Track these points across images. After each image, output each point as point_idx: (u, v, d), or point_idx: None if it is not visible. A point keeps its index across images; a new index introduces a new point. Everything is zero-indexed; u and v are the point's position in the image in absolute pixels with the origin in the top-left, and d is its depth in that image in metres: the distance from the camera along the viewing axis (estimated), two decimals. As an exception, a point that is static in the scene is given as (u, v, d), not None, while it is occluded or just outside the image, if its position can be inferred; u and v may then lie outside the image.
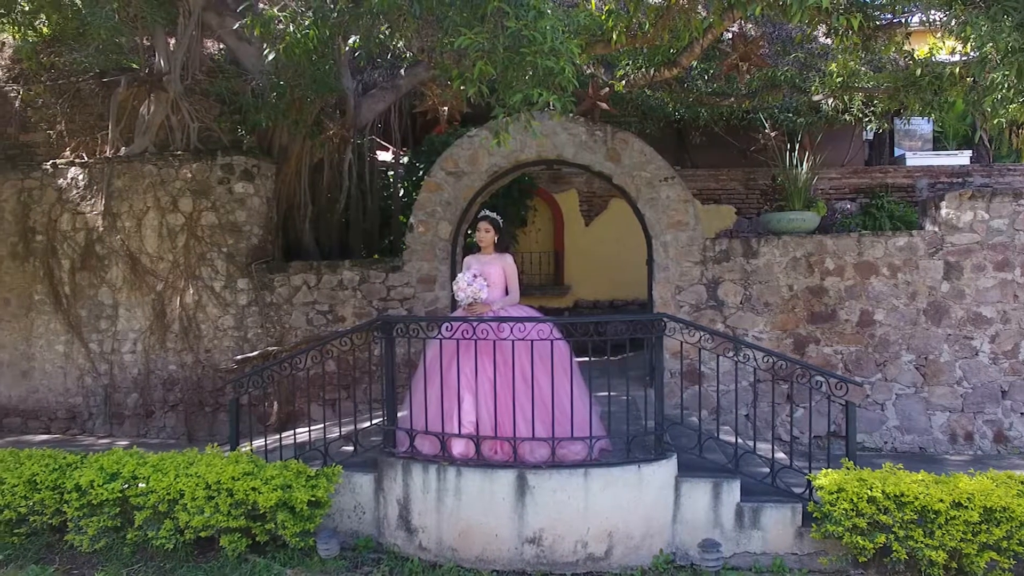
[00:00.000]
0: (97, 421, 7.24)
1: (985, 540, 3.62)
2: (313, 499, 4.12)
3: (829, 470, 3.95)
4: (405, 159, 9.49)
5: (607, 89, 6.04)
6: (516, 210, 8.98)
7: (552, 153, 6.41)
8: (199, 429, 6.99)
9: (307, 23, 3.79)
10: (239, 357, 6.77)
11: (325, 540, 4.15)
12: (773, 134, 7.22)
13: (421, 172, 9.44)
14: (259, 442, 5.24)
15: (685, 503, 4.13)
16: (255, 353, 6.76)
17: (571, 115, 6.38)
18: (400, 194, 9.21)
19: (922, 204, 6.31)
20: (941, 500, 3.57)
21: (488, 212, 4.56)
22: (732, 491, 4.11)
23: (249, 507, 4.10)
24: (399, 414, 4.64)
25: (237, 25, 5.43)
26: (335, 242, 8.20)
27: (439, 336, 4.13)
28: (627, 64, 5.67)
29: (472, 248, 4.93)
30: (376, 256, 8.45)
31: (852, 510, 3.67)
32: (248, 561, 4.22)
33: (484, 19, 2.98)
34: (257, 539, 4.18)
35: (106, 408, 7.18)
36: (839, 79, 5.86)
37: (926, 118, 8.82)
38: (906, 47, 5.57)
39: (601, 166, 6.35)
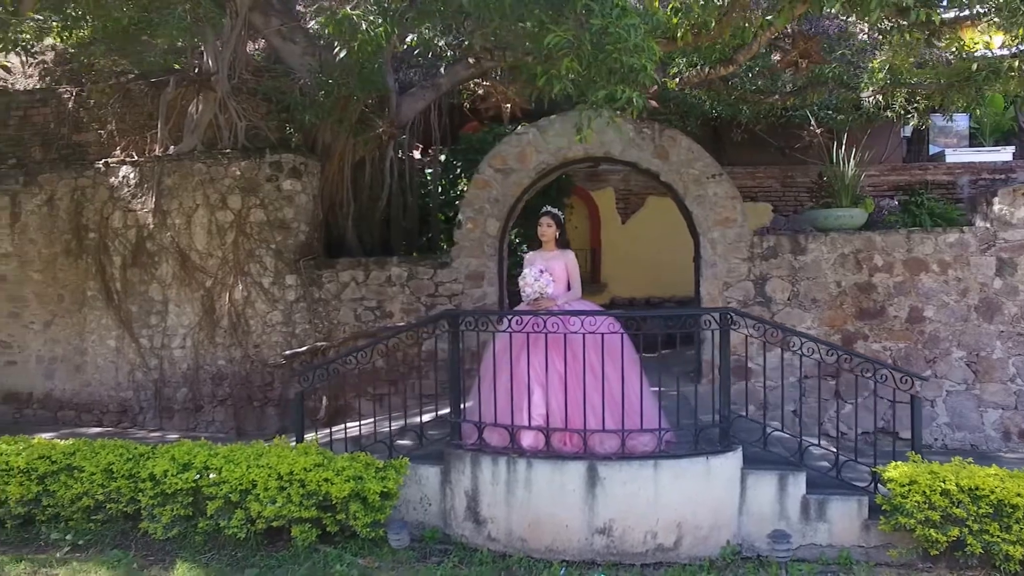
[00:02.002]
0: (147, 415, 7.37)
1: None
2: (384, 490, 4.20)
3: (899, 463, 3.98)
4: (442, 157, 9.57)
5: (655, 87, 6.09)
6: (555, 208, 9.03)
7: (600, 151, 6.46)
8: (248, 423, 7.10)
9: (379, 21, 3.87)
10: (288, 352, 6.89)
11: (396, 531, 4.23)
12: (819, 131, 7.22)
13: (458, 170, 9.54)
14: (310, 435, 5.36)
15: (751, 495, 4.17)
16: (304, 348, 6.88)
17: (619, 113, 6.44)
18: (438, 191, 9.28)
19: (971, 200, 6.31)
20: (1019, 495, 3.59)
21: (550, 208, 4.63)
22: (798, 484, 4.15)
23: (321, 498, 4.18)
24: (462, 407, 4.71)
25: (312, 23, 5.50)
26: (377, 239, 8.28)
27: (509, 330, 4.20)
28: (681, 62, 5.71)
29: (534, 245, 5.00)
30: (415, 253, 8.54)
31: (925, 503, 3.70)
32: (318, 551, 4.31)
33: (569, 17, 3.04)
34: (327, 529, 4.26)
35: (156, 402, 7.32)
36: (887, 76, 5.87)
37: (966, 114, 8.80)
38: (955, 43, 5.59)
39: (648, 163, 6.39)
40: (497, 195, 6.67)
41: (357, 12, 3.91)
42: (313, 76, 6.79)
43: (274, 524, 4.25)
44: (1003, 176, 8.23)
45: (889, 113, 7.49)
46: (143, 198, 7.29)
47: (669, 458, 4.05)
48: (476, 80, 9.15)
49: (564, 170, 7.13)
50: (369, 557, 4.19)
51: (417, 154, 9.98)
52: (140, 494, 4.44)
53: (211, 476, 4.33)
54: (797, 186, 8.81)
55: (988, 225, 5.93)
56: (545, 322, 4.16)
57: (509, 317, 4.30)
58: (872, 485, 4.13)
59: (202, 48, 7.27)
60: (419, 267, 6.82)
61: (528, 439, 4.20)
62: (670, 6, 4.13)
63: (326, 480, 4.13)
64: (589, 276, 9.45)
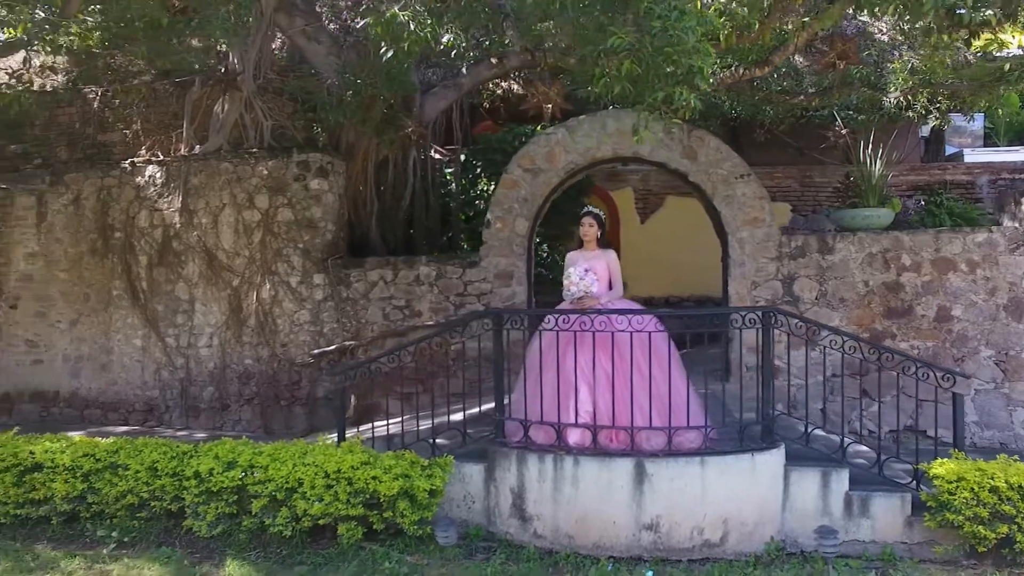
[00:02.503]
0: (174, 414, 7.39)
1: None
2: (431, 488, 4.23)
3: (944, 460, 4.02)
4: (463, 156, 9.60)
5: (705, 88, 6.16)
6: (574, 208, 9.07)
7: (628, 151, 6.49)
8: (275, 422, 7.13)
9: (429, 21, 3.91)
10: (316, 351, 6.92)
11: (444, 528, 4.27)
12: (844, 131, 7.29)
13: (478, 169, 9.58)
14: (347, 433, 5.38)
15: (794, 491, 4.22)
16: (332, 347, 6.91)
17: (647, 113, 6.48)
18: (458, 191, 9.32)
19: (999, 200, 6.38)
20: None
21: (592, 208, 4.69)
22: (841, 480, 4.20)
23: (368, 496, 4.21)
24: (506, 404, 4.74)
25: (361, 24, 5.51)
26: (400, 239, 8.31)
27: (556, 328, 4.24)
28: (715, 63, 5.77)
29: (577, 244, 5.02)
30: (436, 253, 8.58)
31: (973, 499, 3.75)
32: (364, 549, 4.34)
33: (629, 19, 3.08)
34: (374, 527, 4.30)
35: (182, 401, 7.33)
36: (916, 77, 5.92)
37: (982, 114, 8.87)
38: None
39: (677, 163, 6.43)
40: (526, 195, 6.70)
41: (406, 12, 3.94)
42: (339, 76, 6.82)
43: (320, 522, 4.29)
44: (1022, 176, 8.30)
45: (910, 113, 7.54)
46: (169, 197, 7.31)
47: (715, 455, 4.09)
48: (496, 80, 9.22)
49: (591, 170, 7.17)
50: (417, 554, 4.23)
51: (435, 154, 10.03)
52: (184, 492, 4.47)
53: (255, 474, 4.36)
54: (816, 186, 8.87)
55: (1017, 225, 5.98)
56: (592, 320, 4.20)
57: (555, 316, 4.33)
58: (914, 482, 4.18)
59: (227, 48, 7.30)
60: (448, 266, 6.85)
61: (575, 436, 4.24)
62: (712, 7, 4.17)
63: (374, 478, 4.16)
64: (608, 275, 9.49)
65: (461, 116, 8.79)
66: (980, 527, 3.75)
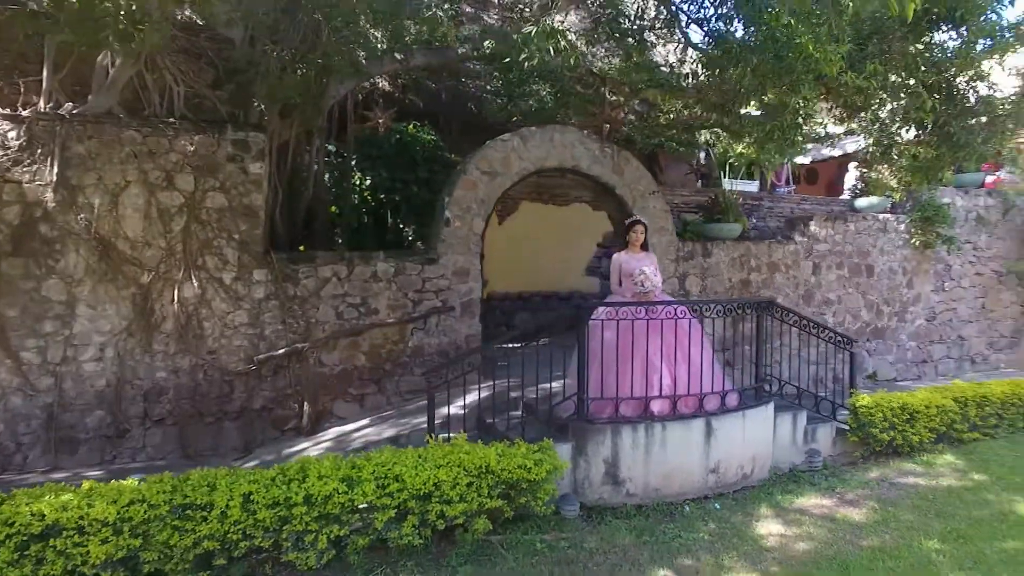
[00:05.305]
0: (32, 453, 5.67)
1: (925, 424, 6.12)
2: (554, 467, 4.58)
3: (863, 394, 6.04)
4: (331, 147, 9.11)
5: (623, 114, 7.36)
6: (435, 210, 9.38)
7: (570, 163, 7.40)
8: (199, 442, 6.08)
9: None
10: (261, 356, 6.20)
11: (570, 503, 4.66)
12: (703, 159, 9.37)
13: (352, 163, 9.21)
14: (302, 446, 5.19)
15: (779, 431, 5.77)
16: (281, 351, 6.26)
17: (585, 132, 7.50)
18: (331, 184, 8.85)
19: (790, 222, 9.12)
20: (924, 405, 5.95)
21: (639, 216, 5.51)
22: (802, 419, 5.91)
23: (506, 486, 4.35)
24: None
25: None
26: (299, 232, 7.67)
27: (646, 318, 5.00)
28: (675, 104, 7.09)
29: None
30: (303, 248, 8.06)
31: (882, 418, 5.81)
32: (490, 543, 4.39)
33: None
34: (505, 516, 4.42)
35: (47, 434, 5.69)
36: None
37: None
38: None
39: (608, 178, 7.59)
40: (483, 196, 7.07)
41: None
42: (246, 38, 6.11)
43: (458, 522, 4.24)
44: (757, 202, 11.67)
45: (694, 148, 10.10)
46: (34, 167, 5.59)
47: (751, 408, 5.38)
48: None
49: (535, 177, 7.81)
50: (552, 531, 4.53)
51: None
52: (288, 523, 3.91)
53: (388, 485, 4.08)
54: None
55: (806, 240, 8.74)
56: (662, 310, 5.09)
57: (635, 307, 5.07)
58: (832, 414, 6.15)
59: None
60: (407, 263, 6.78)
61: (658, 406, 5.07)
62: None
63: (519, 467, 4.32)
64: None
65: (355, 107, 8.42)
66: (883, 435, 5.84)
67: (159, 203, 5.87)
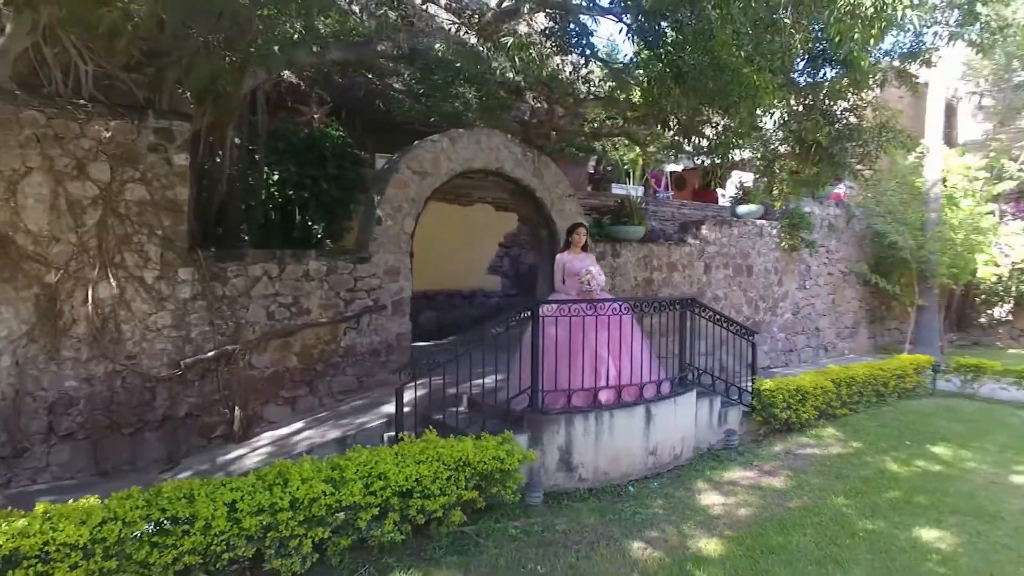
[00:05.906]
0: (-95, 479, 4.91)
1: (813, 403, 7.09)
2: (524, 457, 4.79)
3: (765, 380, 6.85)
4: (236, 140, 8.59)
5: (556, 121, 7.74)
6: (344, 208, 9.18)
7: (495, 165, 7.62)
8: (116, 456, 5.58)
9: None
10: (188, 360, 5.82)
11: (535, 491, 4.88)
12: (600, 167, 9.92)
13: (257, 157, 8.74)
14: (237, 452, 5.12)
15: (700, 414, 6.40)
16: (210, 354, 5.92)
17: (509, 136, 7.76)
18: (237, 177, 8.36)
19: (683, 225, 9.99)
20: (813, 387, 6.88)
21: (582, 220, 5.86)
22: (717, 403, 6.59)
23: (480, 478, 4.49)
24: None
25: None
26: (212, 229, 7.19)
27: (594, 314, 5.34)
28: (599, 112, 7.48)
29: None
30: (214, 248, 7.64)
31: (782, 400, 6.65)
32: (465, 534, 4.50)
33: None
34: (478, 506, 4.56)
35: (-74, 457, 4.96)
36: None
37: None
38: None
39: (529, 180, 7.89)
40: (414, 195, 7.09)
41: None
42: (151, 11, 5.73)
43: (435, 516, 4.32)
44: (644, 206, 12.61)
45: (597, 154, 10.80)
46: (-90, 149, 4.83)
47: (681, 395, 5.93)
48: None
49: (462, 179, 7.89)
50: (520, 519, 4.72)
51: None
52: (272, 529, 3.79)
53: (375, 484, 4.07)
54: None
55: (698, 242, 9.64)
56: (607, 307, 5.48)
57: (582, 305, 5.41)
58: (739, 397, 6.91)
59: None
60: (339, 261, 6.64)
61: (605, 395, 5.44)
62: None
63: (494, 458, 4.48)
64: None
65: (267, 99, 8.01)
66: (782, 414, 6.68)
67: (68, 194, 5.29)
